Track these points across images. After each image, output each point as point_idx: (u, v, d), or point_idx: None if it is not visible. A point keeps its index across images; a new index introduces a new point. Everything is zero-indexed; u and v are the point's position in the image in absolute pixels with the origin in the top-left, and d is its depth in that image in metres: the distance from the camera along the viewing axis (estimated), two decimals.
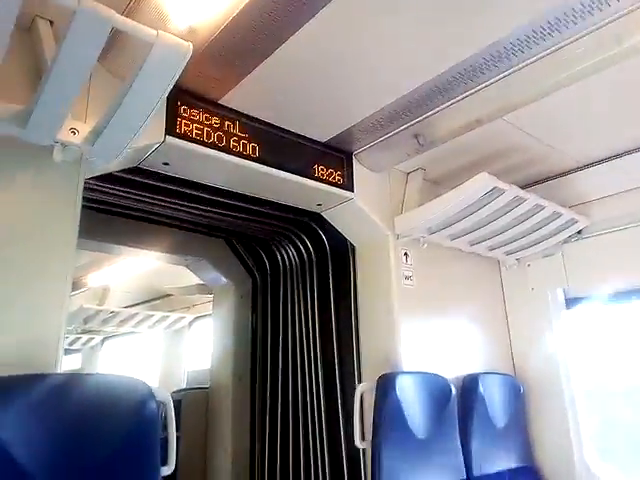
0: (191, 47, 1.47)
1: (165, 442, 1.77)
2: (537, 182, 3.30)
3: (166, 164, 2.39)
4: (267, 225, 3.36)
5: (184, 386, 5.44)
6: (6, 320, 1.62)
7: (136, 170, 2.42)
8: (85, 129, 1.77)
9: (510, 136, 2.77)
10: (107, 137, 1.72)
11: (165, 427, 1.82)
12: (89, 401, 1.57)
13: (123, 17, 1.37)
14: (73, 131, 1.74)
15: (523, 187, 3.19)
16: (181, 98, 2.24)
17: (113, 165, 2.09)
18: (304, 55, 2.08)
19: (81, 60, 1.42)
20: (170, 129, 2.18)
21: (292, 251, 3.59)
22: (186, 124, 2.23)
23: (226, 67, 2.15)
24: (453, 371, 2.89)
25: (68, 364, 7.73)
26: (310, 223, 3.34)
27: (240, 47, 2.01)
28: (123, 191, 2.72)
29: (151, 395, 1.66)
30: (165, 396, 1.70)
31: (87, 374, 1.77)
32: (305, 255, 3.52)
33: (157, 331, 6.12)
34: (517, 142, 2.85)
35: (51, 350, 1.66)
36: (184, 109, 2.25)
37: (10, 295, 1.66)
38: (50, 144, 1.74)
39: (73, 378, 1.62)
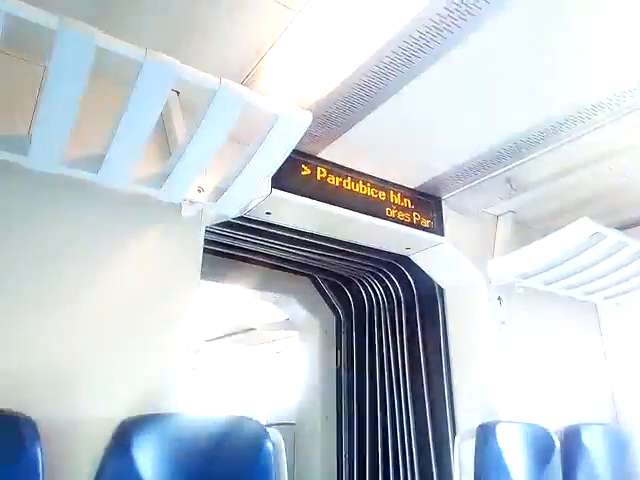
0: (311, 116, 1.61)
1: None
2: (633, 225, 3.18)
3: (269, 213, 2.56)
4: (354, 265, 3.45)
5: (265, 422, 5.54)
6: (139, 363, 1.79)
7: (240, 217, 2.61)
8: (209, 187, 1.96)
9: (605, 178, 2.71)
10: (229, 195, 1.90)
11: None
12: (212, 440, 1.68)
13: (255, 94, 1.54)
14: (199, 189, 1.94)
15: (621, 229, 3.10)
16: None
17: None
18: (394, 116, 2.21)
19: (215, 135, 1.60)
20: (275, 182, 2.34)
21: (379, 291, 3.65)
22: (290, 177, 2.39)
23: (325, 127, 2.31)
24: (553, 420, 2.78)
25: None
26: (397, 264, 3.39)
27: (338, 111, 2.18)
28: (222, 232, 2.91)
29: (266, 436, 1.75)
30: (278, 438, 1.79)
31: (211, 414, 1.89)
32: (393, 295, 3.56)
33: (238, 365, 6.31)
34: (613, 184, 2.78)
35: (178, 390, 1.80)
36: (287, 163, 2.42)
37: (143, 336, 1.83)
38: (179, 202, 1.94)
39: (199, 418, 1.74)
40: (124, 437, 1.56)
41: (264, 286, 3.92)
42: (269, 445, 1.72)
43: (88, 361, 1.68)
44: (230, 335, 6.90)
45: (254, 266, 3.69)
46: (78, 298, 1.73)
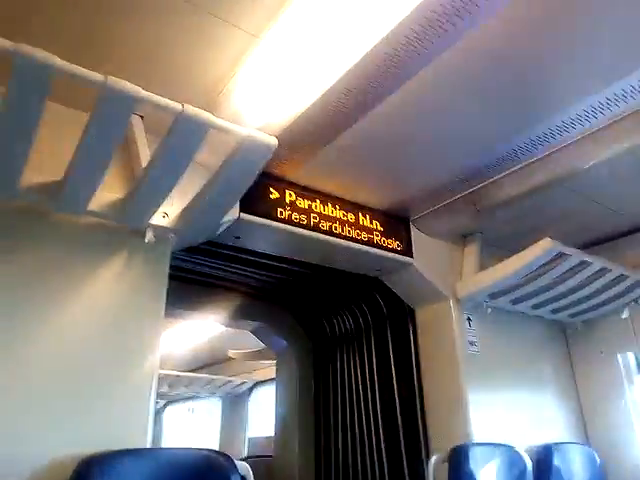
0: (276, 142, 1.61)
1: None
2: (600, 243, 3.27)
3: (237, 237, 2.53)
4: (326, 290, 3.44)
5: (245, 453, 5.39)
6: (101, 396, 1.71)
7: (207, 242, 2.58)
8: (174, 212, 1.93)
9: (570, 199, 2.78)
10: (195, 220, 1.87)
11: None
12: (178, 474, 1.62)
13: (218, 119, 1.53)
14: (164, 215, 1.90)
15: (585, 247, 3.18)
16: None
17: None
18: (362, 139, 2.23)
19: (179, 160, 1.58)
20: (244, 206, 2.32)
21: (348, 315, 3.63)
22: (258, 201, 2.38)
23: (293, 150, 2.32)
24: (524, 440, 2.79)
25: None
26: (367, 287, 3.39)
27: (305, 135, 2.19)
28: (191, 258, 2.87)
29: (234, 470, 1.70)
30: (247, 471, 1.73)
31: (176, 449, 1.83)
32: (362, 319, 3.55)
33: (218, 396, 6.16)
34: (577, 205, 2.85)
35: (142, 424, 1.73)
36: (255, 187, 2.40)
37: (104, 365, 1.75)
38: (143, 228, 1.90)
39: (164, 453, 1.67)
40: (85, 475, 1.48)
41: (240, 315, 3.84)
42: (237, 478, 1.66)
43: (42, 399, 1.60)
44: (209, 366, 6.75)
45: (229, 294, 3.62)
46: (33, 333, 1.65)
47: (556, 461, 2.70)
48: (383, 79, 1.83)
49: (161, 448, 1.62)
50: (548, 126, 2.17)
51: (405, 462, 2.94)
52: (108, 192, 1.82)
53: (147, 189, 1.66)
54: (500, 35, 1.69)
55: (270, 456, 4.05)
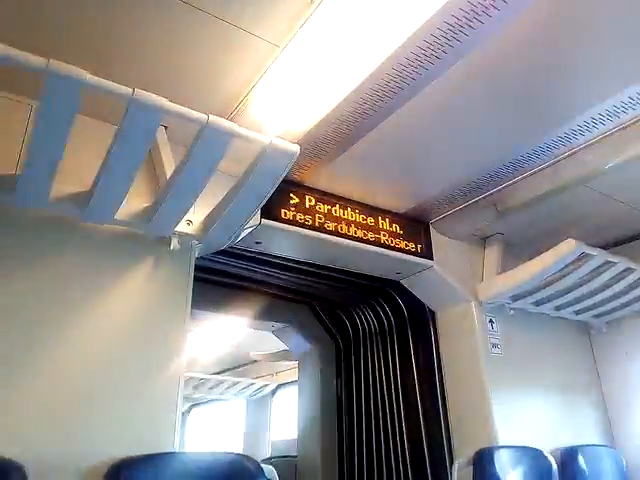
0: (298, 149, 1.63)
1: None
2: (623, 242, 3.22)
3: (258, 243, 2.56)
4: (347, 291, 3.44)
5: (268, 454, 5.42)
6: (130, 400, 1.75)
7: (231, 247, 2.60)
8: (197, 219, 1.96)
9: (591, 199, 2.76)
10: (218, 227, 1.90)
11: None
12: (207, 479, 1.65)
13: (242, 129, 1.55)
14: (188, 222, 1.94)
15: (608, 247, 3.15)
16: None
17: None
18: (381, 143, 2.24)
19: (203, 169, 1.61)
20: (264, 212, 2.35)
21: (370, 316, 3.64)
22: (279, 207, 2.41)
23: (313, 156, 2.34)
24: (549, 442, 2.76)
25: None
26: (388, 290, 3.39)
27: (325, 141, 2.21)
28: (215, 259, 2.90)
29: (260, 473, 1.72)
30: (272, 474, 1.75)
31: (204, 453, 1.86)
32: (384, 321, 3.55)
33: (242, 398, 6.21)
34: (600, 204, 2.82)
35: (170, 426, 1.77)
36: (276, 193, 2.43)
37: (133, 370, 1.79)
38: (168, 236, 1.94)
39: (192, 456, 1.70)
40: (117, 478, 1.52)
41: (263, 315, 3.86)
42: None
43: (77, 404, 1.64)
44: (234, 369, 6.80)
45: (253, 295, 3.62)
46: (65, 340, 1.70)
47: (582, 463, 2.67)
48: (402, 84, 1.84)
49: (189, 452, 1.65)
50: (569, 127, 2.16)
51: (428, 465, 2.93)
52: (134, 201, 1.86)
53: (172, 198, 1.69)
54: (519, 37, 1.69)
55: (295, 456, 4.07)
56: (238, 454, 1.76)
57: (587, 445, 2.86)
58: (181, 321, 1.95)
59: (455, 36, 1.64)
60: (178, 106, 1.44)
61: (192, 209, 1.96)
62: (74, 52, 1.68)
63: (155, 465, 1.63)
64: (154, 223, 1.83)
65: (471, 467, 2.28)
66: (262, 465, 1.77)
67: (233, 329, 4.67)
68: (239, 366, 6.58)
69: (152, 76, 1.84)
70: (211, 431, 7.44)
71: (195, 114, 1.47)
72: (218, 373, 6.66)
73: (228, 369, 6.79)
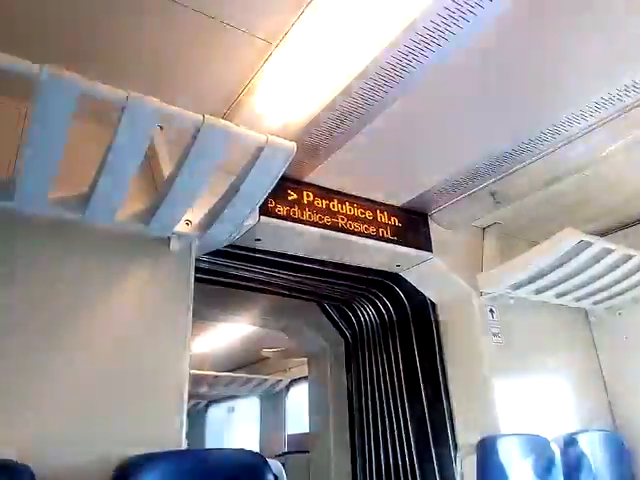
0: (295, 147, 1.63)
1: None
2: (621, 228, 3.24)
3: (258, 240, 2.57)
4: (349, 287, 3.46)
5: (285, 449, 5.47)
6: (135, 399, 1.77)
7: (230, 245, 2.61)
8: (196, 219, 1.97)
9: (589, 186, 2.76)
10: (216, 226, 1.90)
11: None
12: (215, 475, 1.67)
13: (238, 128, 1.56)
14: (187, 222, 1.94)
15: (606, 233, 3.16)
16: None
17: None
18: (377, 138, 2.24)
19: (201, 169, 1.61)
20: (263, 210, 2.35)
21: (373, 311, 3.65)
22: (277, 203, 2.41)
23: (310, 152, 2.34)
24: (551, 429, 2.79)
25: None
26: (389, 283, 3.40)
27: (321, 137, 2.21)
28: (216, 261, 2.92)
29: (268, 468, 1.74)
30: (280, 469, 1.77)
31: (211, 449, 1.88)
32: (387, 314, 3.56)
33: (257, 395, 6.25)
34: (596, 191, 2.83)
35: (176, 424, 1.79)
36: (274, 189, 2.43)
37: (139, 369, 1.81)
38: (168, 236, 1.95)
39: (200, 454, 1.72)
40: (124, 477, 1.54)
41: (272, 314, 3.91)
42: (270, 477, 1.70)
43: (81, 405, 1.66)
44: (247, 366, 6.85)
45: (260, 295, 3.64)
46: (67, 343, 1.71)
47: (584, 448, 2.70)
48: (398, 77, 1.84)
49: (196, 449, 1.68)
50: (565, 115, 2.16)
51: (434, 455, 2.96)
52: (133, 202, 1.86)
53: (170, 199, 1.70)
54: (517, 24, 1.69)
55: (306, 451, 4.11)
56: (245, 450, 1.78)
57: (589, 430, 2.89)
58: (184, 318, 1.97)
59: (450, 26, 1.64)
60: (173, 107, 1.44)
61: (191, 208, 1.97)
62: (72, 54, 1.68)
63: (162, 463, 1.64)
64: (154, 224, 1.84)
65: (474, 455, 2.30)
66: (269, 461, 1.79)
67: (245, 328, 4.70)
68: (252, 363, 6.63)
69: (147, 77, 1.84)
70: (229, 428, 7.50)
71: (190, 115, 1.47)
72: (232, 370, 6.70)
73: (242, 366, 6.84)
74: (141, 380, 1.79)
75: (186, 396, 1.83)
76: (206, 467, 1.70)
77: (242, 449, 1.77)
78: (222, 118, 1.91)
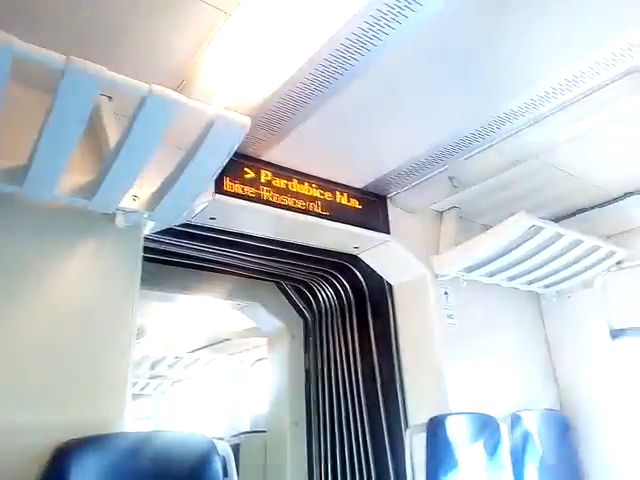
0: (249, 121, 1.58)
1: None
2: (573, 214, 3.33)
3: (213, 219, 2.50)
4: (308, 268, 3.45)
5: (249, 429, 5.47)
6: (76, 381, 1.70)
7: (185, 224, 2.54)
8: (144, 195, 1.89)
9: (544, 172, 2.81)
10: (166, 203, 1.83)
11: (225, 474, 1.86)
12: (159, 458, 1.63)
13: (187, 98, 1.49)
14: (134, 198, 1.86)
15: (559, 220, 3.24)
16: None
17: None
18: (337, 117, 2.21)
19: (147, 141, 1.54)
20: (218, 187, 2.29)
21: (331, 292, 3.66)
22: (231, 181, 2.35)
23: (267, 129, 2.28)
24: (500, 408, 2.87)
25: (140, 409, 7.92)
26: (347, 264, 3.41)
27: (279, 113, 2.15)
28: (175, 242, 2.85)
29: (214, 450, 1.71)
30: (227, 451, 1.76)
31: (154, 432, 1.84)
32: (343, 295, 3.58)
33: (221, 374, 6.19)
34: (551, 177, 2.89)
35: (119, 408, 1.73)
36: (229, 167, 2.37)
37: (77, 351, 1.73)
38: (113, 211, 1.86)
39: (142, 437, 1.67)
40: (61, 462, 1.48)
41: (230, 295, 3.88)
42: (217, 459, 1.68)
43: (15, 385, 1.58)
44: (210, 346, 6.77)
45: (219, 275, 3.64)
46: (4, 321, 1.62)
47: (530, 427, 2.80)
48: (357, 55, 1.80)
49: (139, 432, 1.63)
50: (523, 100, 2.17)
51: (386, 434, 3.02)
52: (76, 176, 1.77)
53: (115, 172, 1.62)
54: (469, 8, 1.67)
55: (263, 431, 4.13)
56: (191, 432, 1.75)
57: (534, 409, 3.00)
58: (130, 298, 1.90)
59: (404, 10, 1.61)
60: (117, 75, 1.36)
61: (139, 184, 1.89)
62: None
63: (102, 446, 1.58)
64: (97, 198, 1.75)
65: (424, 433, 2.35)
66: (216, 442, 1.76)
67: (205, 309, 4.65)
68: (217, 343, 6.57)
69: (92, 46, 1.74)
70: (193, 408, 7.45)
71: (136, 83, 1.39)
72: (195, 351, 6.62)
73: (207, 346, 6.76)
74: (80, 363, 1.72)
75: (130, 378, 1.78)
76: (148, 450, 1.65)
77: (188, 431, 1.74)
78: (176, 90, 1.84)
